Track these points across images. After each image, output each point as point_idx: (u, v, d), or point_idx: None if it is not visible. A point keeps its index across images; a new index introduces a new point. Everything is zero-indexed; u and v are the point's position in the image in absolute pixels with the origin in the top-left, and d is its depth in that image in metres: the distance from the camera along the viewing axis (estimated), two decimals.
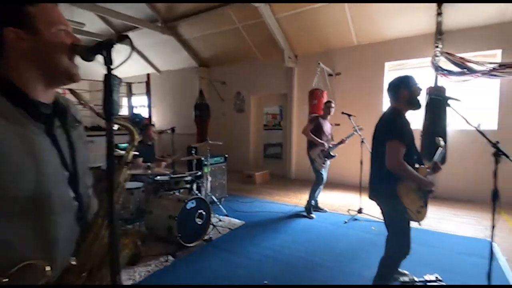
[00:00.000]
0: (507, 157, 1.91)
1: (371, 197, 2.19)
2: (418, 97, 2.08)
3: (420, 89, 2.10)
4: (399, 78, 2.12)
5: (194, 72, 8.23)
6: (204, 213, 3.18)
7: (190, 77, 8.36)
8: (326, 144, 4.01)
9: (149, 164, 3.20)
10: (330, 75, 6.18)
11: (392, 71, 5.82)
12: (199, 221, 3.13)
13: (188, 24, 7.05)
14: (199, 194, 3.52)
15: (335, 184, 5.87)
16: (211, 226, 3.44)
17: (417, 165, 2.13)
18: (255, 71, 7.48)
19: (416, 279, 2.31)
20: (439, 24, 4.68)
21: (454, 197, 4.93)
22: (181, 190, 3.57)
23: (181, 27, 7.27)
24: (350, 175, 5.51)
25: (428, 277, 2.31)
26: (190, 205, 3.05)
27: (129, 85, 7.44)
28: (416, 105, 2.09)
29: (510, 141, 4.65)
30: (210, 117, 7.64)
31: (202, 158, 4.23)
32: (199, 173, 3.70)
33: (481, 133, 2.01)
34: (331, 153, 4.05)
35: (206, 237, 3.26)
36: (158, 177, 3.51)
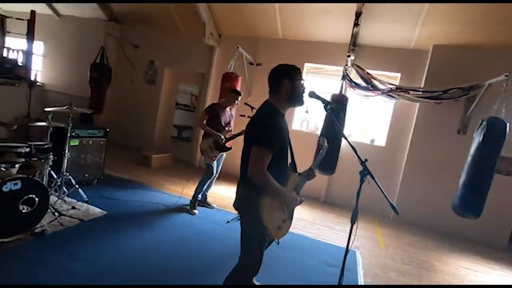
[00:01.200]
0: (372, 177, 1.77)
1: (234, 205, 1.83)
2: (301, 94, 1.80)
3: (305, 87, 1.83)
4: (284, 66, 1.82)
5: (101, 25, 6.83)
6: (36, 198, 2.39)
7: (95, 30, 6.91)
8: (222, 136, 3.60)
9: None
10: (251, 63, 5.83)
11: (310, 73, 5.80)
12: (24, 209, 2.34)
13: None
14: (38, 176, 2.69)
15: (233, 177, 5.57)
16: (52, 216, 2.67)
17: (290, 172, 1.87)
18: (174, 41, 6.59)
19: None
20: (354, 35, 4.74)
21: (342, 204, 5.17)
22: (17, 165, 2.67)
23: None
24: None
25: None
26: (10, 186, 2.23)
27: (0, 18, 5.68)
28: (298, 102, 1.81)
29: (393, 159, 5.15)
30: (111, 82, 6.44)
31: (67, 127, 3.27)
32: (48, 145, 2.84)
33: (353, 148, 1.84)
34: (227, 145, 3.67)
35: (37, 230, 2.48)
36: None
